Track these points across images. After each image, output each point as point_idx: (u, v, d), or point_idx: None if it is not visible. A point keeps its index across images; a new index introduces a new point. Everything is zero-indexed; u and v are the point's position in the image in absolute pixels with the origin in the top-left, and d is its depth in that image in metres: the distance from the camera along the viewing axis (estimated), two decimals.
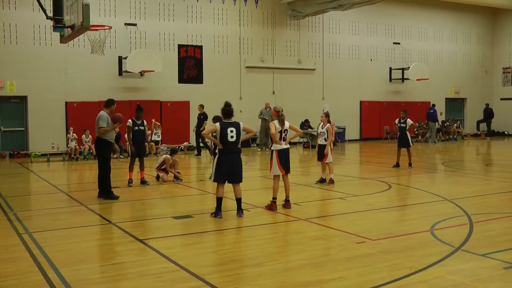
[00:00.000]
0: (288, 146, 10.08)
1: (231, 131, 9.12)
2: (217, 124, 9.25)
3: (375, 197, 11.55)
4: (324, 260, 6.71)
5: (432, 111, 28.82)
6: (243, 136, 9.58)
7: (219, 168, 9.17)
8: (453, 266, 6.33)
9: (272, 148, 10.07)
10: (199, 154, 21.64)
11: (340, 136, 26.28)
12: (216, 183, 9.31)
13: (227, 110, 9.28)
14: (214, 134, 9.32)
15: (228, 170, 9.16)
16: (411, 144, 16.44)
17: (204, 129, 18.47)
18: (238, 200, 9.34)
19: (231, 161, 9.17)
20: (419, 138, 29.19)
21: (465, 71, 33.67)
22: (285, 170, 9.97)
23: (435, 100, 31.40)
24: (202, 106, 21.72)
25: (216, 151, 9.37)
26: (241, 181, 9.33)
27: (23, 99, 21.94)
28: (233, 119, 9.33)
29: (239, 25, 26.07)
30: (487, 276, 5.97)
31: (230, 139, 9.11)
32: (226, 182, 9.26)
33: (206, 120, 20.95)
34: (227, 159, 9.14)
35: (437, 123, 29.03)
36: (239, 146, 9.35)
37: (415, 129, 29.12)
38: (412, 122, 16.44)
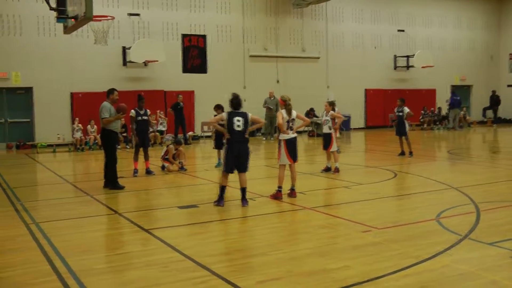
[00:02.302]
0: (295, 135, 10.07)
1: (238, 121, 9.16)
2: (224, 113, 9.34)
3: (380, 185, 11.53)
4: (330, 249, 6.71)
5: (458, 98, 28.67)
6: (252, 126, 9.57)
7: (228, 158, 9.20)
8: (460, 255, 6.31)
9: (279, 137, 10.04)
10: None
11: (345, 124, 26.19)
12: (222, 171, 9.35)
13: (236, 101, 9.33)
14: (222, 122, 9.34)
15: (235, 159, 9.18)
16: (407, 133, 16.29)
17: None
18: (243, 190, 9.35)
19: (238, 150, 9.19)
20: (425, 126, 29.09)
21: (470, 58, 33.44)
22: (293, 159, 9.96)
23: (440, 87, 31.26)
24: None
25: (224, 140, 9.41)
26: (246, 170, 9.34)
27: (28, 90, 21.97)
28: (241, 110, 9.36)
29: (242, 14, 25.96)
30: (494, 265, 5.95)
31: (236, 128, 9.14)
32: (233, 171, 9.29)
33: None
34: (234, 148, 9.17)
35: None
36: (247, 136, 9.35)
37: (421, 117, 29.08)
38: (408, 110, 16.27)
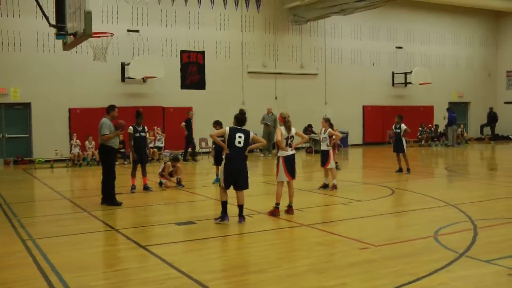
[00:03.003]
0: (294, 152, 10.08)
1: (239, 137, 9.15)
2: (227, 128, 9.31)
3: (378, 202, 11.53)
4: (327, 266, 6.70)
5: (455, 115, 28.77)
6: (252, 145, 9.55)
7: (226, 174, 9.17)
8: (457, 272, 6.31)
9: (278, 154, 10.04)
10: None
11: (343, 141, 26.19)
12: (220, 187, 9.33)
13: (241, 117, 9.39)
14: (222, 138, 9.34)
15: (234, 177, 9.17)
16: (404, 149, 16.32)
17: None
18: (240, 207, 9.34)
19: (237, 167, 9.17)
20: (422, 143, 29.13)
21: (468, 75, 33.60)
22: (291, 176, 9.97)
23: (438, 104, 31.37)
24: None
25: (223, 156, 9.39)
26: (246, 188, 9.33)
27: (26, 106, 22.01)
28: (243, 127, 9.39)
29: (241, 31, 26.11)
30: (491, 283, 5.95)
31: (237, 144, 9.13)
32: (232, 187, 9.27)
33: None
34: (233, 165, 9.15)
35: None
36: (246, 153, 9.33)
37: (418, 134, 29.12)
38: (405, 127, 16.30)
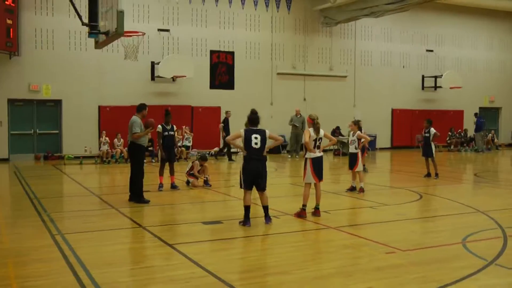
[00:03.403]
0: (321, 154, 10.04)
1: (255, 138, 9.06)
2: (242, 130, 9.22)
3: (406, 207, 11.42)
4: (353, 270, 6.66)
5: (483, 120, 28.40)
6: (270, 144, 9.49)
7: (244, 175, 9.15)
8: (486, 280, 6.21)
9: (306, 156, 10.01)
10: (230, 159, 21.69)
11: (371, 144, 26.01)
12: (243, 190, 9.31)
13: (253, 117, 9.24)
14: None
15: (253, 178, 9.12)
16: (433, 154, 16.13)
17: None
18: (265, 208, 9.33)
19: (256, 168, 9.10)
20: (452, 147, 28.76)
21: (500, 79, 33.00)
22: (318, 178, 9.93)
23: (469, 109, 30.90)
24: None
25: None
26: (264, 189, 9.26)
27: (57, 103, 22.37)
28: (260, 127, 9.28)
29: (271, 32, 26.12)
30: None
31: (254, 146, 9.05)
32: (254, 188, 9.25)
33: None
34: (251, 166, 9.09)
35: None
36: (265, 154, 9.27)
37: (448, 139, 28.75)
38: (435, 131, 16.12)
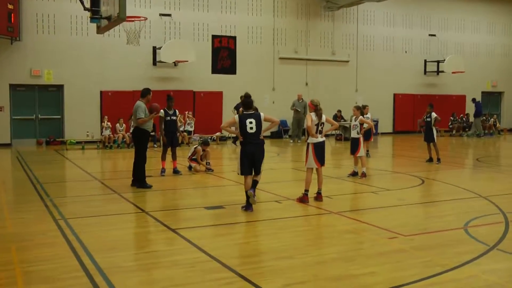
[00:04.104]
0: (323, 139, 10.03)
1: (250, 123, 9.00)
2: (236, 116, 9.20)
3: (407, 191, 11.43)
4: (356, 255, 6.69)
5: (481, 104, 28.43)
6: (266, 126, 9.41)
7: (242, 160, 9.14)
8: (488, 265, 6.23)
9: (308, 141, 10.01)
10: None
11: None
12: (242, 176, 9.30)
13: (247, 101, 9.16)
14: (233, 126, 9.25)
15: (250, 162, 9.10)
16: (435, 139, 16.12)
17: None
18: (255, 182, 9.15)
19: (252, 152, 9.07)
20: (454, 132, 28.74)
21: (503, 64, 32.90)
22: (320, 163, 9.93)
23: (471, 94, 30.83)
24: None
25: (236, 143, 9.37)
26: (259, 173, 9.20)
27: (59, 88, 22.37)
28: (254, 110, 9.23)
29: (273, 16, 26.00)
30: None
31: (249, 131, 9.00)
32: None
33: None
34: (248, 151, 9.07)
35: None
36: (262, 137, 9.22)
37: (450, 124, 28.72)
38: (436, 115, 16.08)
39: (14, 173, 14.64)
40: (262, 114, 9.20)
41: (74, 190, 11.82)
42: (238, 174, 9.43)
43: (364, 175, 13.01)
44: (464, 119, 29.62)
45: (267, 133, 13.62)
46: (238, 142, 9.34)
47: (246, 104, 9.17)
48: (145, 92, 11.81)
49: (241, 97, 20.86)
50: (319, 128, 9.94)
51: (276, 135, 25.05)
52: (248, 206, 9.16)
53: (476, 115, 28.12)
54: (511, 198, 10.64)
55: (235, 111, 21.86)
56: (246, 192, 9.14)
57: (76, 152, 19.68)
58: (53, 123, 22.50)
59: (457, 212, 9.21)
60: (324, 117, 10.00)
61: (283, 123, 25.04)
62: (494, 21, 32.52)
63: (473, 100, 28.75)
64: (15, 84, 21.63)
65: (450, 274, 5.89)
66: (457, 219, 8.61)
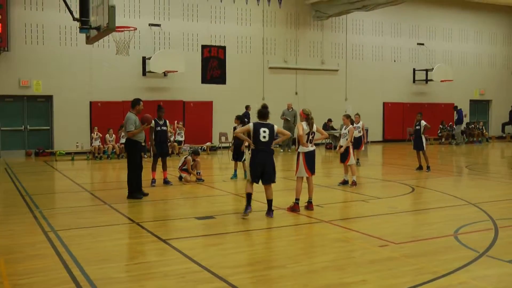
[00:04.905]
0: (314, 148, 10.06)
1: (264, 131, 9.22)
2: (251, 124, 9.41)
3: (398, 199, 11.47)
4: (347, 263, 6.69)
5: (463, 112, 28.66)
6: (277, 139, 9.67)
7: (253, 167, 9.26)
8: (478, 272, 6.26)
9: (298, 150, 10.03)
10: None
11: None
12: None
13: (263, 111, 9.46)
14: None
15: (260, 169, 9.24)
16: (424, 147, 16.22)
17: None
18: (269, 202, 9.42)
19: (264, 161, 9.24)
20: (443, 140, 28.89)
21: (490, 73, 33.23)
22: (311, 171, 9.95)
23: (459, 102, 31.07)
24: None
25: (248, 151, 9.49)
26: (273, 181, 9.41)
27: (48, 99, 22.27)
28: (268, 121, 9.48)
29: (262, 26, 26.09)
30: None
31: (262, 139, 9.20)
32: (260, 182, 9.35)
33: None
34: (259, 159, 9.24)
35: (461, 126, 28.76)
36: (272, 147, 9.43)
37: (439, 132, 28.88)
38: (425, 123, 16.21)
39: (3, 185, 14.51)
40: (275, 126, 9.48)
41: (64, 202, 11.74)
42: (248, 180, 9.47)
43: (354, 183, 13.04)
44: (453, 127, 29.79)
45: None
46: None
47: (262, 114, 9.44)
48: (134, 103, 11.76)
49: (247, 106, 20.97)
50: (310, 137, 9.97)
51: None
52: (247, 207, 9.34)
53: (458, 122, 28.35)
54: (500, 205, 10.72)
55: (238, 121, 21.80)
56: (247, 193, 9.39)
57: (66, 163, 19.57)
58: (42, 134, 22.38)
59: (447, 220, 9.25)
60: (315, 127, 10.03)
61: None
62: (481, 31, 32.85)
63: (455, 108, 28.95)
64: (3, 95, 21.51)
65: (441, 281, 5.91)
66: (447, 226, 8.65)
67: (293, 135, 20.69)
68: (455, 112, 28.74)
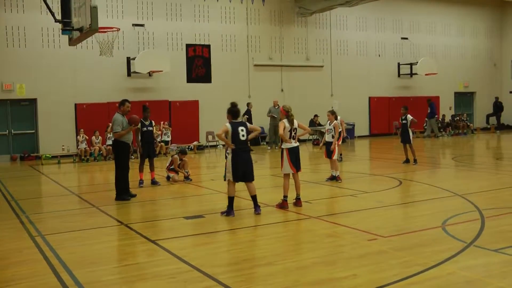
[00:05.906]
0: (297, 144, 10.06)
1: (242, 130, 9.23)
2: (228, 124, 9.30)
3: (386, 193, 11.53)
4: (336, 258, 6.72)
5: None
6: (250, 135, 9.58)
7: (235, 167, 9.21)
8: (466, 262, 6.32)
9: (282, 146, 10.05)
10: None
11: (349, 133, 26.17)
12: (226, 182, 9.40)
13: (234, 110, 9.41)
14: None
15: (243, 168, 9.23)
16: (411, 140, 16.34)
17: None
18: (254, 197, 9.44)
19: (245, 159, 9.27)
20: (430, 133, 29.05)
21: (473, 65, 33.48)
22: (296, 168, 9.96)
23: (444, 94, 31.29)
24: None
25: (228, 151, 9.45)
26: (253, 179, 9.41)
27: (32, 102, 22.07)
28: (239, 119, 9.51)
29: (246, 24, 26.07)
30: (499, 272, 5.95)
31: (242, 138, 9.21)
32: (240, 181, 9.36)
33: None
34: (241, 158, 9.22)
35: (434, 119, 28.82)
36: (249, 145, 9.46)
37: (425, 125, 29.01)
38: (412, 117, 16.34)
39: None
40: (247, 123, 9.57)
41: (51, 206, 11.66)
42: (226, 180, 9.45)
43: (339, 178, 13.10)
44: (439, 120, 29.95)
45: None
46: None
47: (234, 113, 9.38)
48: (120, 104, 11.73)
49: (248, 103, 20.78)
50: (292, 133, 9.98)
51: (254, 142, 25.07)
52: (229, 211, 9.26)
53: (431, 116, 28.47)
54: (486, 196, 10.82)
55: (246, 118, 21.76)
56: (229, 197, 9.29)
57: (52, 167, 19.43)
58: (27, 138, 22.18)
59: (434, 212, 9.33)
60: (296, 123, 10.02)
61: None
62: (464, 24, 33.08)
63: (428, 101, 29.04)
64: None
65: (429, 272, 5.95)
66: (435, 218, 8.71)
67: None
68: (428, 105, 28.80)
